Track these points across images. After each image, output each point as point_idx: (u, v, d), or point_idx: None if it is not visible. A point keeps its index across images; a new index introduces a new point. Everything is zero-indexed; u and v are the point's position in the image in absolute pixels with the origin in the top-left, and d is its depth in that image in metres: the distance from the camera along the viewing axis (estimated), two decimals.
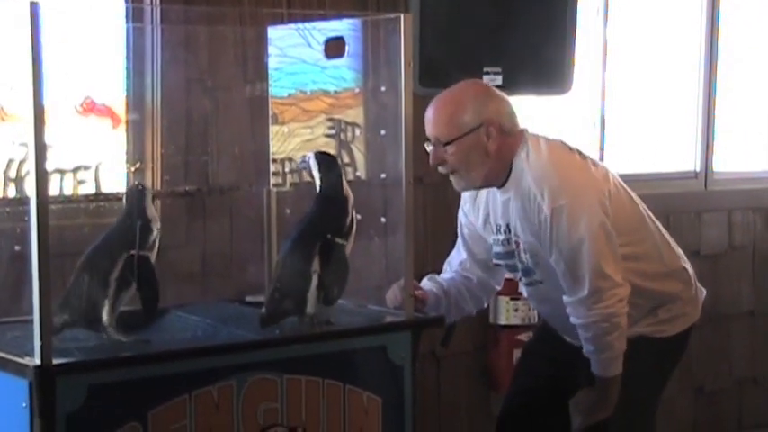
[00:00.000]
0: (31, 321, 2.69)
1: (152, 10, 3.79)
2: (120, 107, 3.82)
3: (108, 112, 3.81)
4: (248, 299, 3.54)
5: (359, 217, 3.20)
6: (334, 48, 3.55)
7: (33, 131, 2.65)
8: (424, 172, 3.36)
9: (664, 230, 3.46)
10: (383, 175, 3.52)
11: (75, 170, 3.69)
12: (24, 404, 2.69)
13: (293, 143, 3.70)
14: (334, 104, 3.81)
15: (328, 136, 3.85)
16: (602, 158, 5.04)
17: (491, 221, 3.37)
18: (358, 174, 3.85)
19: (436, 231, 4.35)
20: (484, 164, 3.25)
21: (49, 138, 2.69)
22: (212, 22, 3.85)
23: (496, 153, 3.24)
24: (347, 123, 3.91)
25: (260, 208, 3.63)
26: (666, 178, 5.39)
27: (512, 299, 4.48)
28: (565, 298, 3.25)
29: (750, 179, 5.70)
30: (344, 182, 3.22)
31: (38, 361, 2.67)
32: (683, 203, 5.35)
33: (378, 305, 3.35)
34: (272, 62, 3.70)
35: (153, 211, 3.04)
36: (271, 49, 3.70)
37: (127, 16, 3.81)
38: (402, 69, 3.15)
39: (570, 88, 4.32)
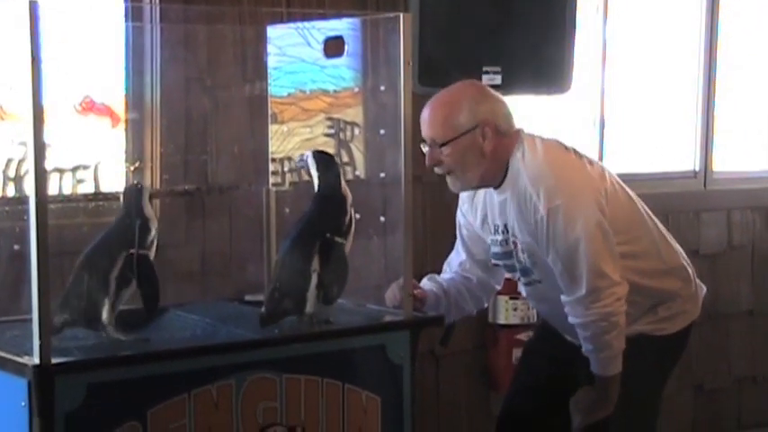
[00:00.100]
0: (30, 320, 2.69)
1: (151, 9, 3.79)
2: (119, 106, 3.82)
3: (107, 112, 3.81)
4: (247, 298, 3.54)
5: (358, 216, 3.20)
6: (333, 47, 3.55)
7: (32, 130, 2.65)
8: (423, 171, 3.36)
9: (662, 228, 3.46)
10: (382, 175, 3.52)
11: (75, 169, 3.69)
12: (23, 403, 2.69)
13: (292, 142, 3.70)
14: (334, 104, 3.81)
15: (327, 135, 3.86)
16: (601, 158, 5.05)
17: (489, 222, 3.37)
18: (357, 173, 3.85)
19: (435, 231, 4.35)
20: (480, 164, 3.25)
21: (48, 137, 2.69)
22: (212, 21, 3.85)
23: (492, 153, 3.24)
24: (346, 122, 3.91)
25: (259, 207, 3.63)
26: (666, 178, 5.40)
27: (511, 298, 4.48)
28: (563, 297, 3.25)
29: (749, 179, 5.70)
30: (343, 180, 3.22)
31: (37, 360, 2.67)
32: (683, 203, 5.36)
33: (377, 304, 3.35)
34: (272, 61, 3.70)
35: (150, 209, 3.04)
36: (270, 49, 3.70)
37: (126, 15, 3.81)
38: (401, 69, 3.15)
39: (570, 88, 4.32)
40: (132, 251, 2.94)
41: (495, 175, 3.28)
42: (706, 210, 5.44)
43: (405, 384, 3.17)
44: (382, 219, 3.41)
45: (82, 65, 3.67)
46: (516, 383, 3.69)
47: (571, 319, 3.25)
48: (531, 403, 3.57)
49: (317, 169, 3.23)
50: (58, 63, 3.12)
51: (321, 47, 3.57)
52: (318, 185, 3.22)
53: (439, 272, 3.55)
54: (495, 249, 3.38)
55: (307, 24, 3.62)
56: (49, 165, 2.86)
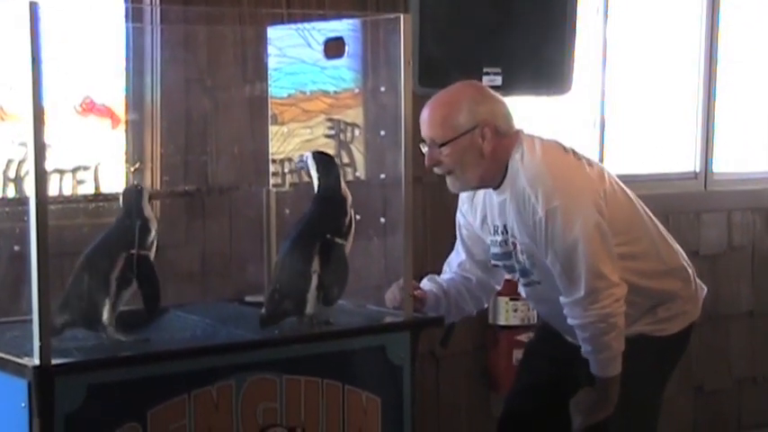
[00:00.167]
0: (30, 321, 2.69)
1: (152, 10, 3.79)
2: (119, 107, 3.82)
3: (107, 112, 3.81)
4: (248, 299, 3.54)
5: (358, 217, 3.20)
6: (333, 48, 3.55)
7: (33, 131, 2.65)
8: (423, 172, 3.36)
9: (662, 229, 3.46)
10: (383, 176, 3.52)
11: (75, 170, 3.69)
12: (23, 404, 2.69)
13: (293, 143, 3.70)
14: (334, 105, 3.81)
15: (328, 136, 3.85)
16: (601, 159, 5.05)
17: (488, 222, 3.37)
18: (357, 174, 3.85)
19: (436, 231, 4.35)
20: (479, 165, 3.25)
21: (48, 138, 2.69)
22: (212, 21, 3.85)
23: (492, 154, 3.24)
24: (347, 123, 3.91)
25: (259, 208, 3.63)
26: (666, 179, 5.40)
27: (511, 299, 4.48)
28: (561, 299, 3.25)
29: (749, 180, 5.70)
30: (342, 181, 3.22)
31: (37, 361, 2.67)
32: (683, 204, 5.36)
33: (377, 305, 3.35)
34: (272, 62, 3.70)
35: (150, 210, 3.04)
36: (270, 50, 3.70)
37: (126, 16, 3.81)
38: (401, 69, 3.15)
39: (570, 88, 4.32)
40: (132, 252, 2.94)
41: (495, 176, 3.28)
42: (706, 211, 5.44)
43: (405, 385, 3.17)
44: (382, 220, 3.41)
45: (82, 66, 3.67)
46: (517, 384, 3.69)
47: (570, 321, 3.25)
48: (532, 404, 3.57)
49: (317, 170, 3.23)
50: (59, 64, 3.12)
51: (321, 48, 3.57)
52: (318, 186, 3.22)
53: (439, 272, 3.55)
54: (495, 250, 3.38)
55: (307, 25, 3.62)
56: (49, 165, 2.86)
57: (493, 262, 3.43)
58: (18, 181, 3.56)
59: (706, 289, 3.55)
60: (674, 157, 5.49)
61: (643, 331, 3.37)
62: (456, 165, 3.25)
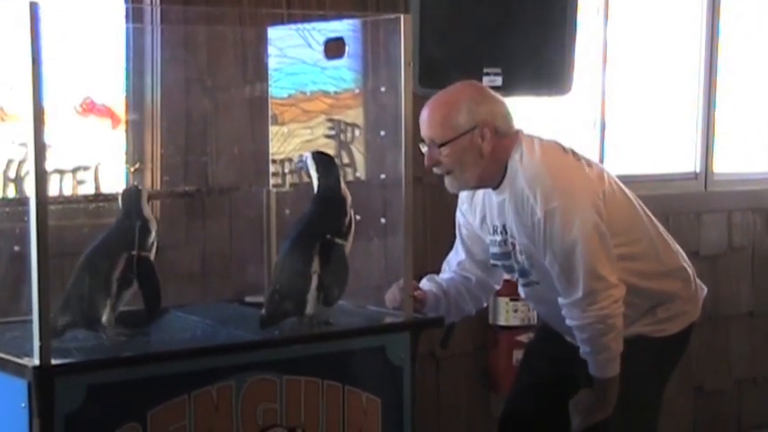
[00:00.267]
0: (30, 322, 2.69)
1: (152, 10, 3.79)
2: (119, 107, 3.82)
3: (108, 113, 3.81)
4: (248, 299, 3.54)
5: (358, 217, 3.20)
6: (333, 48, 3.55)
7: (33, 131, 2.65)
8: (423, 173, 3.36)
9: (662, 229, 3.46)
10: (383, 176, 3.52)
11: (75, 170, 3.69)
12: (23, 404, 2.69)
13: (293, 144, 3.70)
14: (334, 105, 3.80)
15: (328, 137, 3.85)
16: (602, 159, 5.05)
17: (488, 222, 3.37)
18: (358, 174, 3.85)
19: (436, 232, 4.35)
20: (478, 165, 3.25)
21: (48, 138, 2.69)
22: (212, 22, 3.85)
23: (491, 154, 3.24)
24: (347, 124, 3.91)
25: (259, 208, 3.63)
26: (666, 179, 5.40)
27: (511, 300, 4.48)
28: (560, 300, 3.25)
29: (750, 180, 5.70)
30: (342, 181, 3.22)
31: (37, 361, 2.67)
32: (683, 204, 5.36)
33: (377, 306, 3.35)
34: (272, 62, 3.70)
35: (149, 211, 3.04)
36: (270, 50, 3.70)
37: (127, 16, 3.81)
38: (402, 70, 3.15)
39: (570, 89, 4.32)
40: (133, 253, 2.94)
41: (494, 176, 3.28)
42: (706, 211, 5.44)
43: (405, 386, 3.17)
44: (383, 220, 3.41)
45: (82, 66, 3.67)
46: (517, 385, 3.69)
47: (568, 322, 3.25)
48: (533, 405, 3.57)
49: (317, 170, 3.23)
50: (59, 64, 3.12)
51: (322, 48, 3.57)
52: (318, 186, 3.22)
53: (439, 273, 3.55)
54: (494, 250, 3.38)
55: (307, 26, 3.62)
56: (49, 166, 2.86)
57: (492, 262, 3.43)
58: (18, 181, 3.55)
59: (706, 289, 3.54)
60: (674, 157, 5.49)
61: (642, 332, 3.36)
62: (455, 165, 3.25)
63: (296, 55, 3.65)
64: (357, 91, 3.82)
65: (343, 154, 3.91)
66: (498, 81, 4.08)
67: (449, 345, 3.82)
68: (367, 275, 3.41)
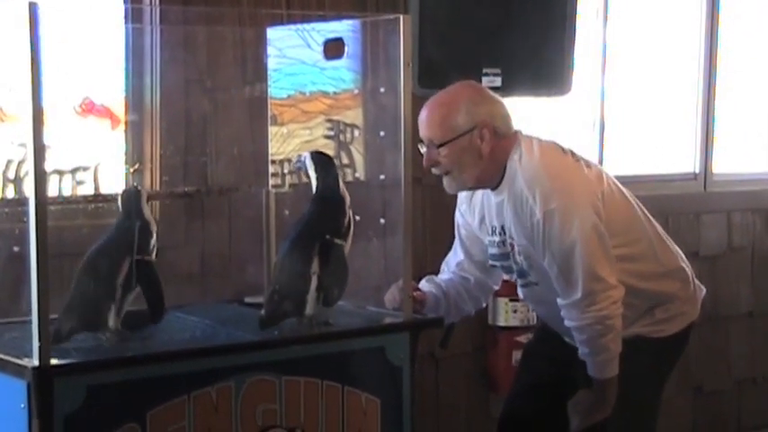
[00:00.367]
0: (30, 322, 2.69)
1: (151, 10, 3.79)
2: (119, 108, 3.82)
3: (107, 113, 3.81)
4: (247, 300, 3.54)
5: (358, 218, 3.20)
6: (333, 49, 3.55)
7: (32, 132, 2.65)
8: (422, 173, 3.36)
9: (661, 230, 3.45)
10: (382, 177, 3.52)
11: (74, 171, 3.69)
12: (23, 405, 2.69)
13: (292, 144, 3.70)
14: (334, 105, 3.80)
15: (327, 137, 3.85)
16: (601, 160, 5.05)
17: (486, 223, 3.37)
18: (357, 175, 3.85)
19: (435, 232, 4.35)
20: (476, 165, 3.25)
21: (47, 138, 2.69)
22: (211, 22, 3.85)
23: (490, 155, 3.24)
24: (346, 124, 3.91)
25: (259, 209, 3.63)
26: (666, 180, 5.40)
27: (511, 300, 4.48)
28: (558, 301, 3.25)
29: (749, 180, 5.70)
30: (341, 181, 3.22)
31: (36, 362, 2.67)
32: (683, 205, 5.36)
33: (376, 306, 3.35)
34: (272, 63, 3.70)
35: (149, 212, 3.05)
36: (270, 50, 3.70)
37: (126, 17, 3.81)
38: (401, 70, 3.15)
39: (570, 90, 4.32)
40: (137, 257, 2.94)
41: (492, 177, 3.28)
42: (706, 212, 5.44)
43: (404, 386, 3.17)
44: (382, 221, 3.41)
45: (82, 66, 3.67)
46: (517, 386, 3.69)
47: (567, 323, 3.25)
48: (532, 405, 3.57)
49: (315, 170, 3.23)
50: (58, 64, 3.12)
51: (321, 48, 3.57)
52: (316, 186, 3.22)
53: (438, 274, 3.55)
54: (493, 250, 3.38)
55: (306, 26, 3.62)
56: (48, 166, 2.86)
57: (491, 262, 3.43)
58: (17, 182, 3.55)
59: (704, 290, 3.54)
60: (673, 158, 5.49)
61: (641, 332, 3.37)
62: (454, 165, 3.25)
63: (295, 55, 3.65)
64: (356, 91, 3.82)
65: (343, 154, 3.91)
66: (497, 82, 4.08)
67: (448, 345, 3.81)
68: (366, 276, 3.41)
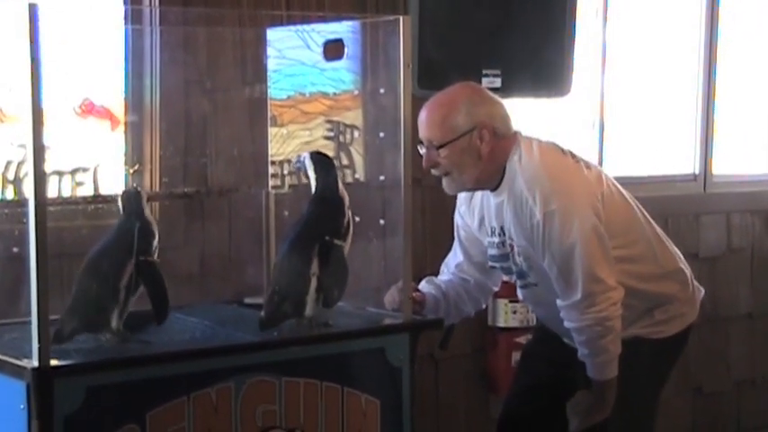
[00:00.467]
0: (30, 323, 2.69)
1: (151, 11, 3.79)
2: (118, 109, 3.82)
3: (107, 114, 3.80)
4: (247, 301, 3.54)
5: (357, 219, 3.20)
6: (333, 50, 3.55)
7: (32, 133, 2.65)
8: (422, 174, 3.36)
9: (660, 231, 3.46)
10: (382, 177, 3.52)
11: (74, 172, 3.69)
12: (22, 406, 2.69)
13: (292, 145, 3.70)
14: (333, 106, 3.80)
15: (327, 138, 3.85)
16: (601, 161, 5.05)
17: (486, 224, 3.37)
18: (357, 176, 3.85)
19: (435, 233, 4.35)
20: (476, 166, 3.25)
21: (47, 139, 2.69)
22: (211, 23, 3.85)
23: (489, 156, 3.24)
24: (346, 125, 3.91)
25: (258, 210, 3.63)
26: (665, 181, 5.40)
27: (510, 301, 4.48)
28: (558, 302, 3.25)
29: (749, 182, 5.70)
30: (340, 182, 3.22)
31: (36, 363, 2.67)
32: (682, 206, 5.36)
33: (376, 307, 3.35)
34: (271, 64, 3.70)
35: (150, 213, 3.04)
36: (270, 51, 3.70)
37: (126, 18, 3.81)
38: (401, 71, 3.15)
39: (569, 91, 4.32)
40: (140, 258, 2.94)
41: (492, 178, 3.28)
42: (706, 213, 5.44)
43: (404, 387, 3.17)
44: (382, 222, 3.41)
45: (81, 67, 3.67)
46: (515, 386, 3.69)
47: (567, 324, 3.25)
48: (531, 406, 3.57)
49: (315, 171, 3.22)
50: (58, 65, 3.12)
51: (321, 49, 3.57)
52: (316, 187, 3.22)
53: (438, 275, 3.55)
54: (492, 252, 3.38)
55: (306, 27, 3.62)
56: (48, 167, 2.87)
57: (490, 263, 3.43)
58: (17, 182, 3.55)
59: (703, 291, 3.55)
60: (673, 159, 5.49)
61: (640, 334, 3.37)
62: (454, 166, 3.25)
63: (295, 56, 3.65)
64: (356, 92, 3.82)
65: (342, 155, 3.91)
66: (497, 83, 4.08)
67: (448, 346, 3.81)
68: (366, 277, 3.41)
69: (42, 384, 2.66)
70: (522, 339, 4.41)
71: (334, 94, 3.77)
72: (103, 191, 3.72)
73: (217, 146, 3.91)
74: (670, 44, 5.42)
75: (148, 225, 3.00)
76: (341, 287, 3.14)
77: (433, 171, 3.29)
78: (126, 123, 3.82)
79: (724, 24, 5.48)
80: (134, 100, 3.81)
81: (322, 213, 3.18)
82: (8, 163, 3.56)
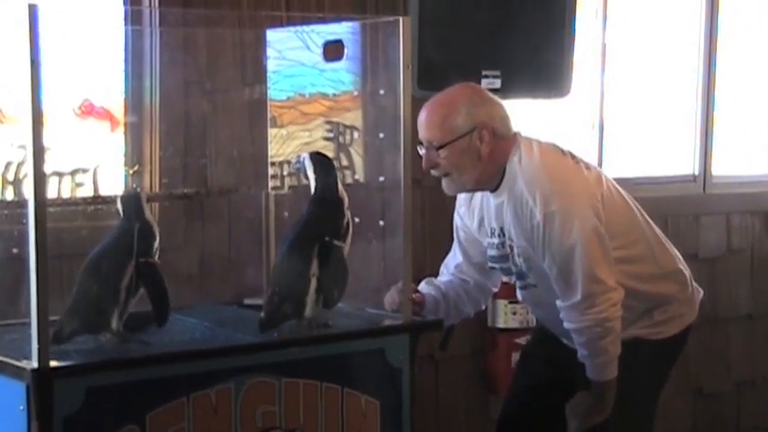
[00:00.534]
0: (29, 324, 2.69)
1: (151, 12, 3.79)
2: (118, 110, 3.82)
3: (106, 115, 3.80)
4: (246, 302, 3.54)
5: (357, 220, 3.20)
6: (332, 51, 3.55)
7: (32, 134, 2.65)
8: (422, 175, 3.36)
9: (659, 232, 3.46)
10: (382, 178, 3.52)
11: (74, 173, 3.69)
12: (22, 407, 2.69)
13: (292, 146, 3.70)
14: (333, 107, 3.80)
15: (327, 139, 3.85)
16: (600, 162, 5.05)
17: (485, 225, 3.37)
18: (357, 177, 3.85)
19: (435, 234, 4.35)
20: (476, 167, 3.25)
21: (47, 140, 2.69)
22: (211, 24, 3.85)
23: (489, 157, 3.24)
24: (346, 126, 3.91)
25: (258, 210, 3.63)
26: (665, 182, 5.40)
27: (510, 302, 4.48)
28: (558, 303, 3.25)
29: (748, 182, 5.70)
30: (339, 183, 3.22)
31: (35, 364, 2.67)
32: (682, 207, 5.36)
33: (376, 308, 3.35)
34: (271, 65, 3.70)
35: (150, 215, 3.04)
36: (269, 52, 3.70)
37: (126, 19, 3.81)
38: (401, 72, 3.15)
39: (569, 91, 4.32)
40: (141, 259, 2.94)
41: (492, 179, 3.28)
42: (705, 213, 5.44)
43: (404, 388, 3.17)
44: (381, 222, 3.41)
45: (81, 68, 3.67)
46: (514, 387, 3.69)
47: (566, 325, 3.25)
48: (530, 406, 3.57)
49: (314, 171, 3.22)
50: (58, 66, 3.12)
51: (320, 50, 3.57)
52: (315, 187, 3.21)
53: (437, 276, 3.55)
54: (492, 252, 3.38)
55: (306, 28, 3.62)
56: (48, 168, 2.86)
57: (490, 264, 3.43)
58: (17, 183, 3.55)
59: (702, 292, 3.55)
60: (672, 159, 5.49)
61: (639, 334, 3.37)
62: (453, 167, 3.25)
63: (295, 57, 3.65)
64: (356, 93, 3.82)
65: (342, 156, 3.91)
66: (497, 83, 4.08)
67: (448, 347, 3.81)
68: (366, 278, 3.41)
69: (42, 385, 2.66)
70: (522, 340, 4.41)
71: (334, 94, 3.77)
72: (103, 192, 3.71)
73: (216, 147, 3.91)
74: (670, 45, 5.42)
75: (149, 226, 3.00)
76: (341, 288, 3.14)
77: (433, 172, 3.29)
78: (126, 124, 3.82)
79: (724, 23, 5.48)
80: (134, 101, 3.81)
81: (322, 214, 3.18)
82: (8, 164, 3.56)
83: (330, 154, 3.64)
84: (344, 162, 3.90)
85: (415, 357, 3.21)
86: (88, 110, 3.77)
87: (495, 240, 3.34)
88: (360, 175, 3.85)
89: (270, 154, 3.68)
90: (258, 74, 3.78)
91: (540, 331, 3.64)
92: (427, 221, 4.45)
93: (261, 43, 3.71)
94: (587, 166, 3.35)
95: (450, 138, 3.22)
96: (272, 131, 3.70)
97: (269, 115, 3.70)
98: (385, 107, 3.36)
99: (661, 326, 3.41)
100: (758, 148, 5.84)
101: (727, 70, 5.54)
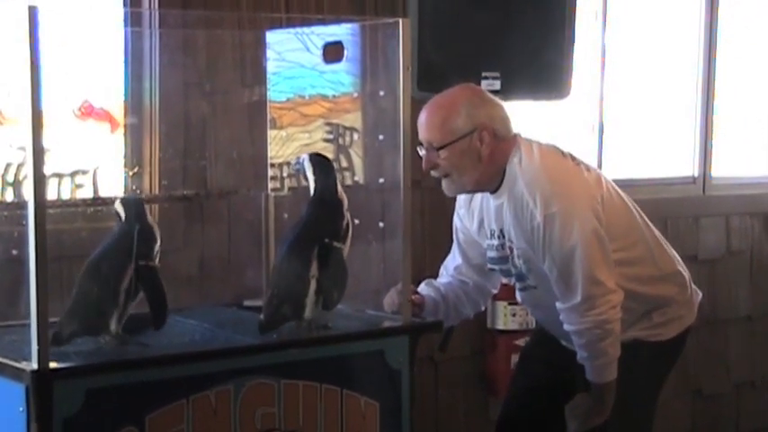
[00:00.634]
0: (29, 326, 2.69)
1: (150, 14, 3.79)
2: (118, 111, 3.82)
3: (106, 116, 3.80)
4: (246, 303, 3.54)
5: (356, 221, 3.20)
6: (332, 52, 3.55)
7: (31, 135, 2.65)
8: (422, 176, 3.36)
9: (658, 234, 3.46)
10: (381, 180, 3.52)
11: (73, 174, 3.69)
12: (21, 409, 2.69)
13: (291, 147, 3.70)
14: (333, 109, 3.80)
15: (326, 140, 3.85)
16: (600, 163, 5.05)
17: (485, 226, 3.37)
18: (356, 178, 3.85)
19: (434, 236, 4.35)
20: (476, 168, 3.25)
21: (47, 141, 2.69)
22: (211, 26, 3.84)
23: (489, 158, 3.24)
24: (345, 128, 3.91)
25: (258, 212, 3.63)
26: (665, 183, 5.40)
27: (509, 304, 4.48)
28: (558, 304, 3.25)
29: (748, 184, 5.71)
30: (339, 184, 3.22)
31: (35, 365, 2.67)
32: (682, 208, 5.36)
33: (375, 310, 3.35)
34: (271, 66, 3.70)
35: (151, 218, 3.05)
36: (269, 54, 3.70)
37: (125, 20, 3.81)
38: (400, 74, 3.15)
39: (569, 93, 4.32)
40: (141, 262, 2.94)
41: (492, 180, 3.28)
42: (705, 215, 5.44)
43: (403, 390, 3.18)
44: (381, 224, 3.41)
45: (81, 69, 3.67)
46: (513, 388, 3.69)
47: (566, 327, 3.25)
48: (529, 408, 3.57)
49: (314, 173, 3.22)
50: (57, 67, 3.12)
51: (320, 52, 3.57)
52: (314, 189, 3.21)
53: (437, 277, 3.55)
54: (491, 254, 3.38)
55: (306, 29, 3.62)
56: (47, 169, 2.86)
57: (489, 266, 3.43)
58: (16, 185, 3.55)
59: (701, 294, 3.55)
60: (672, 161, 5.49)
61: (638, 336, 3.37)
62: (453, 168, 3.25)
63: (294, 59, 3.66)
64: (355, 95, 3.82)
65: (342, 158, 3.91)
66: (497, 85, 4.08)
67: (447, 348, 3.81)
68: (365, 279, 3.41)
69: (41, 387, 2.66)
70: (522, 342, 4.41)
71: (334, 96, 3.77)
72: (103, 193, 3.71)
73: (216, 148, 3.91)
74: (669, 46, 5.42)
75: (150, 229, 3.00)
76: (340, 289, 3.14)
77: (433, 173, 3.29)
78: (125, 126, 3.82)
79: (723, 26, 5.48)
80: (133, 102, 3.81)
81: (321, 216, 3.18)
82: (8, 165, 3.56)
83: (330, 155, 3.63)
84: (344, 163, 3.90)
85: (415, 359, 3.21)
86: (88, 111, 3.77)
87: (495, 242, 3.34)
88: (359, 177, 3.85)
89: (269, 155, 3.68)
90: (258, 75, 3.78)
91: (540, 333, 3.64)
92: (427, 223, 4.45)
93: (260, 45, 3.71)
94: (587, 168, 3.35)
95: (451, 139, 3.22)
96: (271, 133, 3.70)
97: (268, 117, 3.70)
98: (384, 109, 3.36)
99: (660, 328, 3.41)
100: (757, 150, 5.85)
101: (726, 72, 5.54)
